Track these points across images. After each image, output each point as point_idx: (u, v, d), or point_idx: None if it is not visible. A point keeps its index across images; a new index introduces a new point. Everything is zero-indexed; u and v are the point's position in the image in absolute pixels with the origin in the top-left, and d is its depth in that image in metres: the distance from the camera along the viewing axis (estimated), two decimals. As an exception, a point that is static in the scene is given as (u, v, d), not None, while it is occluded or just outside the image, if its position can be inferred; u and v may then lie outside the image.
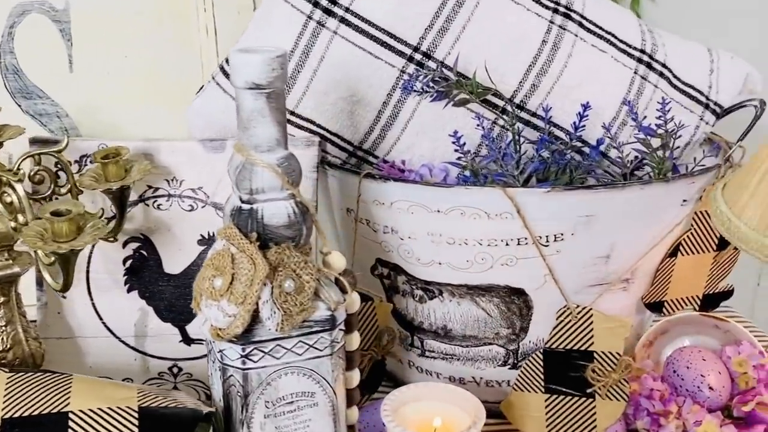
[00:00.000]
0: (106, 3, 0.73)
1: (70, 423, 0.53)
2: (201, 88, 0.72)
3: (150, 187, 0.69)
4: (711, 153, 0.73)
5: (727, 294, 0.75)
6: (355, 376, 0.61)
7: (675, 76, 0.72)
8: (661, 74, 0.71)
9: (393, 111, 0.69)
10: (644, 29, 0.72)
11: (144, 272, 0.70)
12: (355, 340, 0.60)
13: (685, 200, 0.67)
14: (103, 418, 0.53)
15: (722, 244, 0.71)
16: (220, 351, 0.56)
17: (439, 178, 0.69)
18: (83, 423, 0.53)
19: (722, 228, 0.56)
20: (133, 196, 0.68)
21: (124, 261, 0.70)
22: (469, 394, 0.63)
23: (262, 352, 0.56)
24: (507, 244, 0.65)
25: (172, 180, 0.69)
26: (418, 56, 0.67)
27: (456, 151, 0.67)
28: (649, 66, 0.71)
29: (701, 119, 0.72)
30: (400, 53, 0.67)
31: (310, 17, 0.67)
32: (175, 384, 0.72)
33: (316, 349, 0.57)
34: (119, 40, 0.74)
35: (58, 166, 0.67)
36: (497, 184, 0.64)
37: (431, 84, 0.66)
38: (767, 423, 0.66)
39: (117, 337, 0.71)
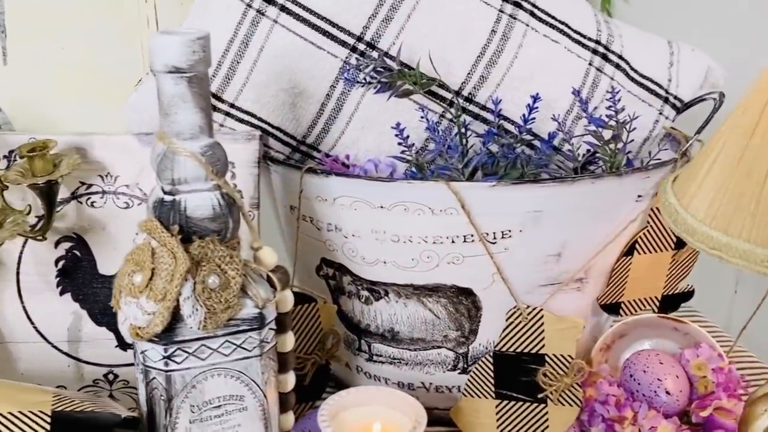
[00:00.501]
0: (44, -7, 0.71)
1: (-21, 427, 0.50)
2: (139, 81, 0.70)
3: (83, 183, 0.66)
4: (667, 147, 0.71)
5: (688, 295, 0.73)
6: (290, 380, 0.58)
7: (632, 68, 0.70)
8: (618, 66, 0.69)
9: (336, 104, 0.66)
10: (600, 19, 0.70)
11: (77, 274, 0.67)
12: (288, 341, 0.58)
13: (640, 196, 0.65)
14: (12, 422, 0.51)
15: (681, 242, 0.69)
16: (143, 352, 0.53)
17: (386, 174, 0.67)
18: (-8, 428, 0.50)
19: (670, 220, 0.54)
20: (65, 193, 0.65)
21: (56, 262, 0.67)
22: (410, 398, 0.60)
23: (186, 352, 0.53)
24: (453, 242, 0.62)
25: (107, 176, 0.66)
26: (361, 46, 0.65)
27: (400, 144, 0.64)
28: (604, 57, 0.68)
29: (660, 113, 0.70)
30: (343, 43, 0.65)
31: (249, 5, 0.65)
32: (111, 392, 0.69)
33: (245, 349, 0.54)
34: (56, 32, 0.71)
35: (-15, 161, 0.64)
36: (441, 178, 0.61)
37: (373, 75, 0.64)
38: (726, 429, 0.64)
39: (49, 343, 0.68)
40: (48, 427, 0.51)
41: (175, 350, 0.53)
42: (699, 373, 0.66)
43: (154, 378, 0.53)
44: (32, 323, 0.67)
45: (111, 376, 0.68)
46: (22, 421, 0.51)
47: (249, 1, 0.65)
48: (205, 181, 0.53)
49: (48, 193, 0.63)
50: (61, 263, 0.67)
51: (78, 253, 0.67)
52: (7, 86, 0.71)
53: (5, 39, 0.71)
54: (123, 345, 0.68)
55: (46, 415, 0.51)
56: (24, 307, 0.67)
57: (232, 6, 0.65)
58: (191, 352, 0.53)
